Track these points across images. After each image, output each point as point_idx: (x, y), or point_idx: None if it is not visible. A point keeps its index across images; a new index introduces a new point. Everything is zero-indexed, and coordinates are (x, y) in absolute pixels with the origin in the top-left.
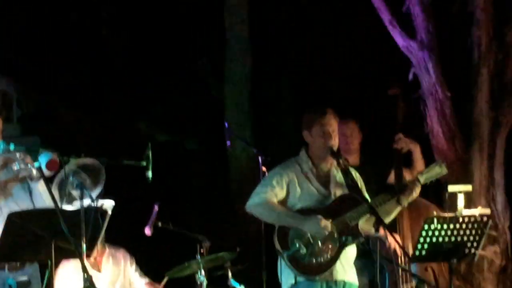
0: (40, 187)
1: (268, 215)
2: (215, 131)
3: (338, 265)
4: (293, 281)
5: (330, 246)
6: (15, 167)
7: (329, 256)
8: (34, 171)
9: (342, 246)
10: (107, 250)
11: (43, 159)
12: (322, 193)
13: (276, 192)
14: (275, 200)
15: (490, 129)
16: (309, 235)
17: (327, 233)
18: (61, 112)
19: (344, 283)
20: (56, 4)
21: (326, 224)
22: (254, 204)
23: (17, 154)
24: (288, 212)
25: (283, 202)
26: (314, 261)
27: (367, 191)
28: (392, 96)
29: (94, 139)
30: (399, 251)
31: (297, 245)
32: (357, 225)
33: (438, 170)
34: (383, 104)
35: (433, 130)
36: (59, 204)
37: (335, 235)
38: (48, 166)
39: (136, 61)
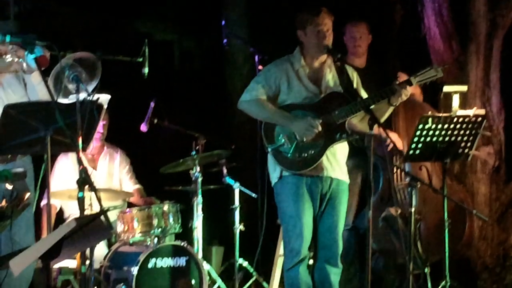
0: (33, 79)
1: (258, 112)
2: (212, 29)
3: (324, 161)
4: (278, 175)
5: (315, 142)
6: (8, 59)
7: (314, 152)
8: (25, 65)
9: (328, 143)
10: (105, 149)
11: (37, 52)
12: (312, 90)
13: (266, 89)
14: (265, 97)
15: (487, 30)
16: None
17: (313, 134)
18: (59, 9)
19: (331, 179)
20: None
21: (315, 124)
22: (245, 100)
23: (10, 47)
24: (278, 110)
25: (274, 98)
26: (298, 156)
27: (367, 91)
28: None
29: (92, 36)
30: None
31: (282, 140)
32: (344, 123)
33: (433, 73)
34: (381, 7)
35: (430, 31)
36: (54, 97)
37: (321, 132)
38: (39, 60)
39: None
